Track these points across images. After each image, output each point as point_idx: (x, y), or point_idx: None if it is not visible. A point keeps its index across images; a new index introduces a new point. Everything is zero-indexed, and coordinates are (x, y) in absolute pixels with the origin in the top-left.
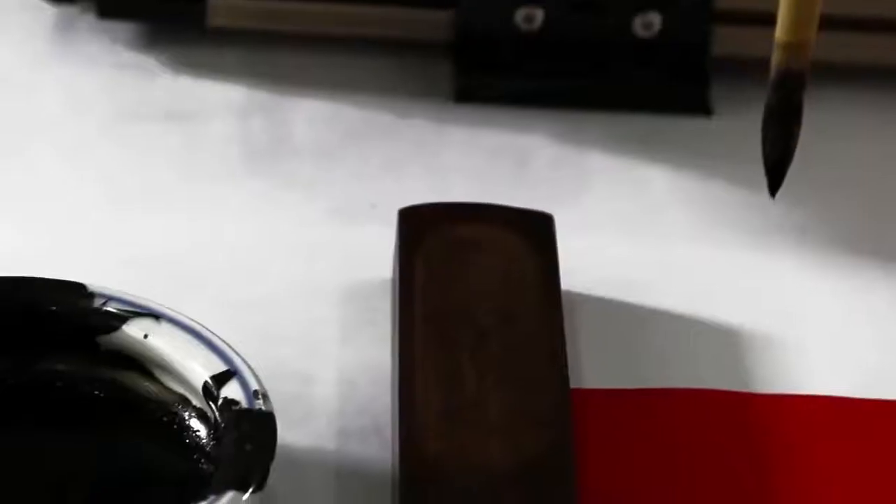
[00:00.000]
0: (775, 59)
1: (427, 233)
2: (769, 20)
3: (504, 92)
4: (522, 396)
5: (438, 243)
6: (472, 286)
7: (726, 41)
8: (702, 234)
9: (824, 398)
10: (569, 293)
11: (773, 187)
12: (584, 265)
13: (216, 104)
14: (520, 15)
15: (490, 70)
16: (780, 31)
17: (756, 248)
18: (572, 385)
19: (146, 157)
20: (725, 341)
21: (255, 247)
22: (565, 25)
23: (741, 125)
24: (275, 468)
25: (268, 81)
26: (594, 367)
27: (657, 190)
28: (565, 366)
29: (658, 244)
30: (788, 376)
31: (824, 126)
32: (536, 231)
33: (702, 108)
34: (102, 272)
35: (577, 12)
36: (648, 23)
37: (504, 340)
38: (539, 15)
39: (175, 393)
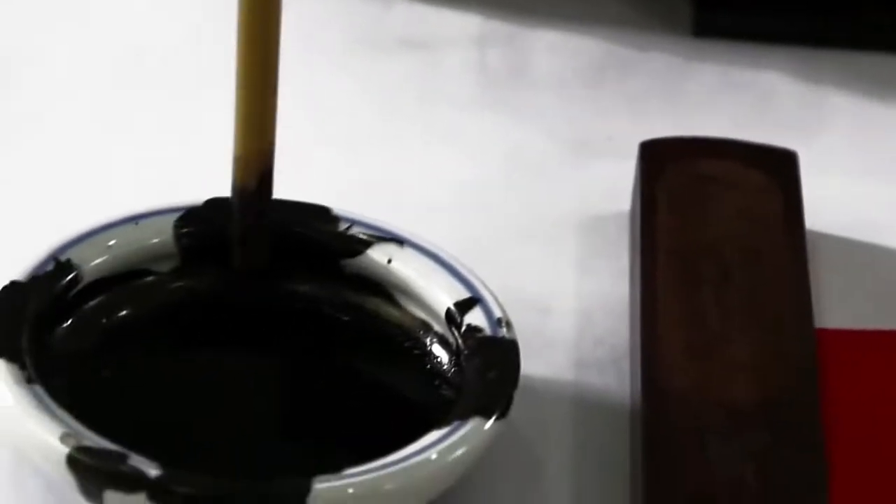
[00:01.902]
0: (232, 174)
1: (669, 166)
2: None
3: (744, 27)
4: (767, 334)
5: (680, 177)
6: (714, 222)
7: None
8: None
9: None
10: (810, 232)
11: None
12: (826, 204)
13: (452, 33)
14: None
15: (731, 5)
16: (234, 143)
17: None
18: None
19: (382, 85)
20: None
21: (492, 177)
22: None
23: None
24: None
25: (505, 11)
26: (836, 307)
27: None
28: (809, 304)
29: None
30: None
31: None
32: (780, 168)
33: None
34: (341, 197)
35: None
36: None
37: (748, 278)
38: None
39: (417, 319)
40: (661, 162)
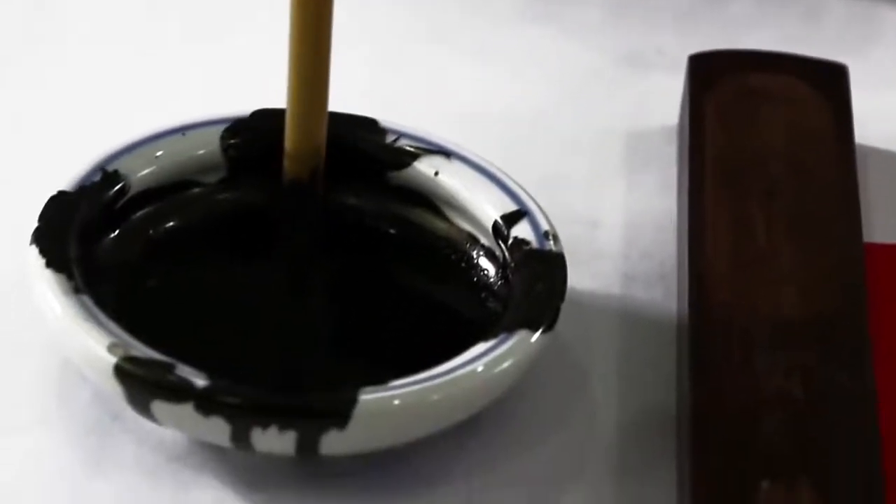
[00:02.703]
0: (284, 167)
1: (718, 80)
2: None
3: None
4: (815, 248)
5: (729, 91)
6: (763, 135)
7: None
8: None
9: None
10: (860, 146)
11: None
12: (875, 119)
13: None
14: None
15: None
16: (286, 140)
17: None
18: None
19: None
20: None
21: (540, 90)
22: None
23: None
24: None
25: None
26: (886, 221)
27: None
28: (858, 218)
29: None
30: None
31: None
32: (829, 82)
33: None
34: (387, 110)
35: None
36: None
37: (796, 192)
38: None
39: (464, 231)
40: (710, 75)
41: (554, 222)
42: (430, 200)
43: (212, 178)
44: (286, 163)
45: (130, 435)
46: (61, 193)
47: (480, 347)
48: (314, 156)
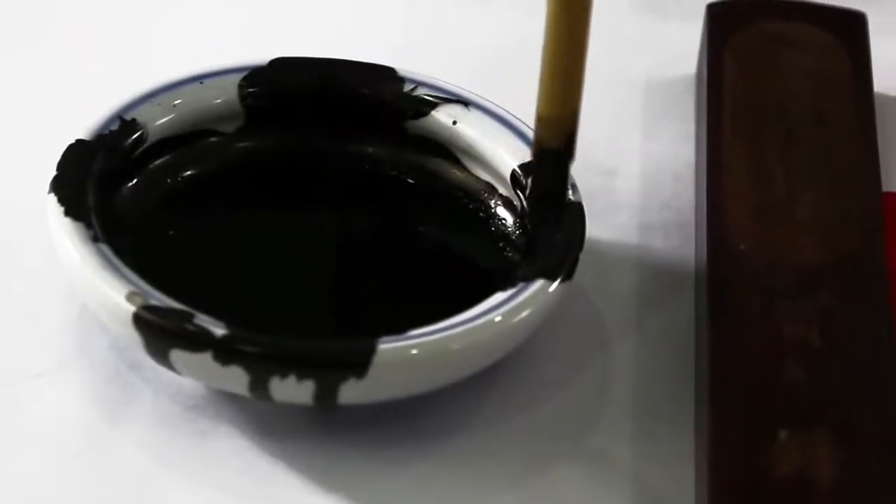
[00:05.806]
0: (535, 134)
1: (736, 29)
2: None
3: None
4: (833, 196)
5: (747, 39)
6: (781, 83)
7: None
8: None
9: None
10: (879, 94)
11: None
12: (894, 67)
13: None
14: None
15: None
16: (538, 104)
17: None
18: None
19: None
20: None
21: None
22: None
23: None
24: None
25: None
26: None
27: None
28: (877, 166)
29: None
30: None
31: None
32: (848, 30)
33: None
34: (405, 58)
35: None
36: None
37: (815, 140)
38: None
39: (482, 181)
40: (729, 23)
41: (572, 171)
42: (448, 149)
43: (229, 127)
44: (538, 129)
45: (149, 384)
46: (80, 142)
47: (499, 297)
48: (569, 122)
